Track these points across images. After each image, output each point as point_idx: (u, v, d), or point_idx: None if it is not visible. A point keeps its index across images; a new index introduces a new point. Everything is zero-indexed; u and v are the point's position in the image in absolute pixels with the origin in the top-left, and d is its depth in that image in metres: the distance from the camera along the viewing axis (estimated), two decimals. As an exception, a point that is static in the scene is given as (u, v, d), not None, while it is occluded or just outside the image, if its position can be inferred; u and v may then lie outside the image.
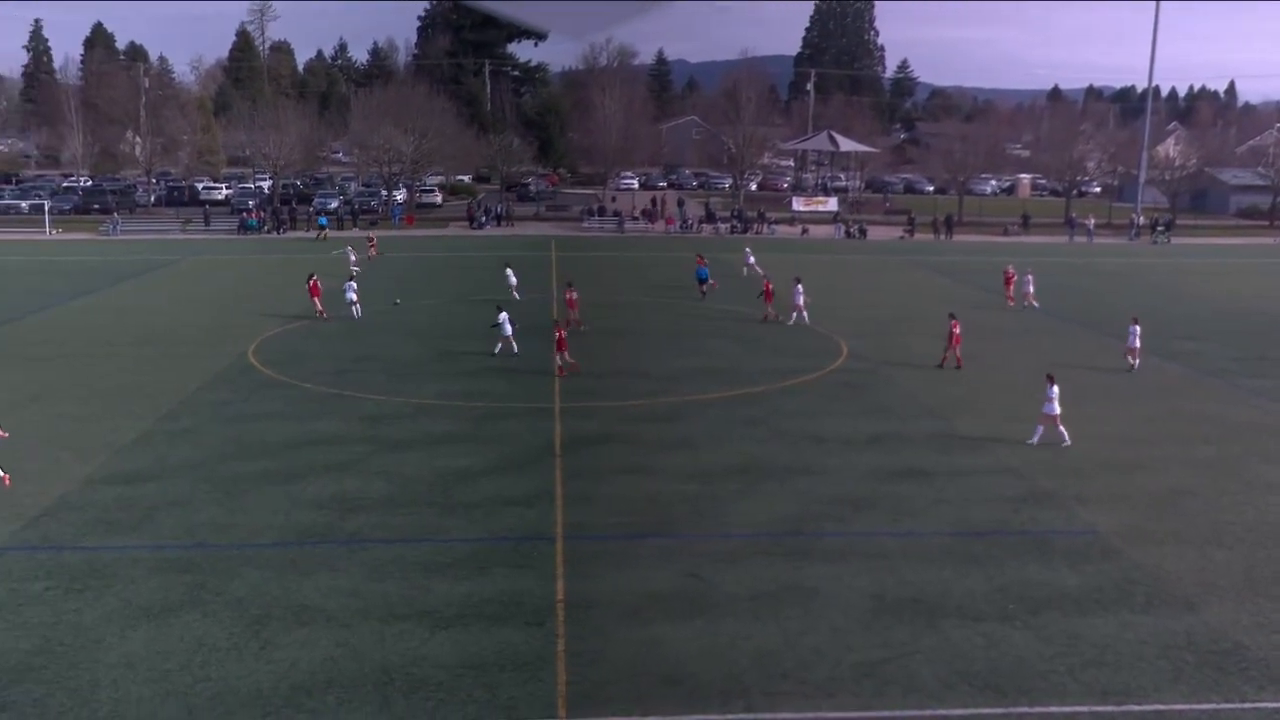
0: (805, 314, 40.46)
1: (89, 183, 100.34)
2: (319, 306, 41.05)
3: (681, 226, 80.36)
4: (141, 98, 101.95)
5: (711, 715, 13.60)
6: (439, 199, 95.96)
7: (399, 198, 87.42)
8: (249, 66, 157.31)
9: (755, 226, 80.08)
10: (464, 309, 43.20)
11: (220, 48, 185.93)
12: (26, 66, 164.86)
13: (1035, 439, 25.13)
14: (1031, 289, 45.42)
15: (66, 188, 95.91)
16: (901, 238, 77.92)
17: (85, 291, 47.63)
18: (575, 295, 39.14)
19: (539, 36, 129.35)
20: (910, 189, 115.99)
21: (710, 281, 46.95)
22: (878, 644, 15.41)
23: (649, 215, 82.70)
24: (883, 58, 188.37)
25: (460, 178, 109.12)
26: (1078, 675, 14.59)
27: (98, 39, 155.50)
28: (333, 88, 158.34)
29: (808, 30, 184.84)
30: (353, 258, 53.92)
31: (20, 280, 51.11)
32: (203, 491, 21.53)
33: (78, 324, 39.91)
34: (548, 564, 18.13)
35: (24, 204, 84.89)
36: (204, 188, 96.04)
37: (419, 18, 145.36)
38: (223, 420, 26.87)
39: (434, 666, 14.62)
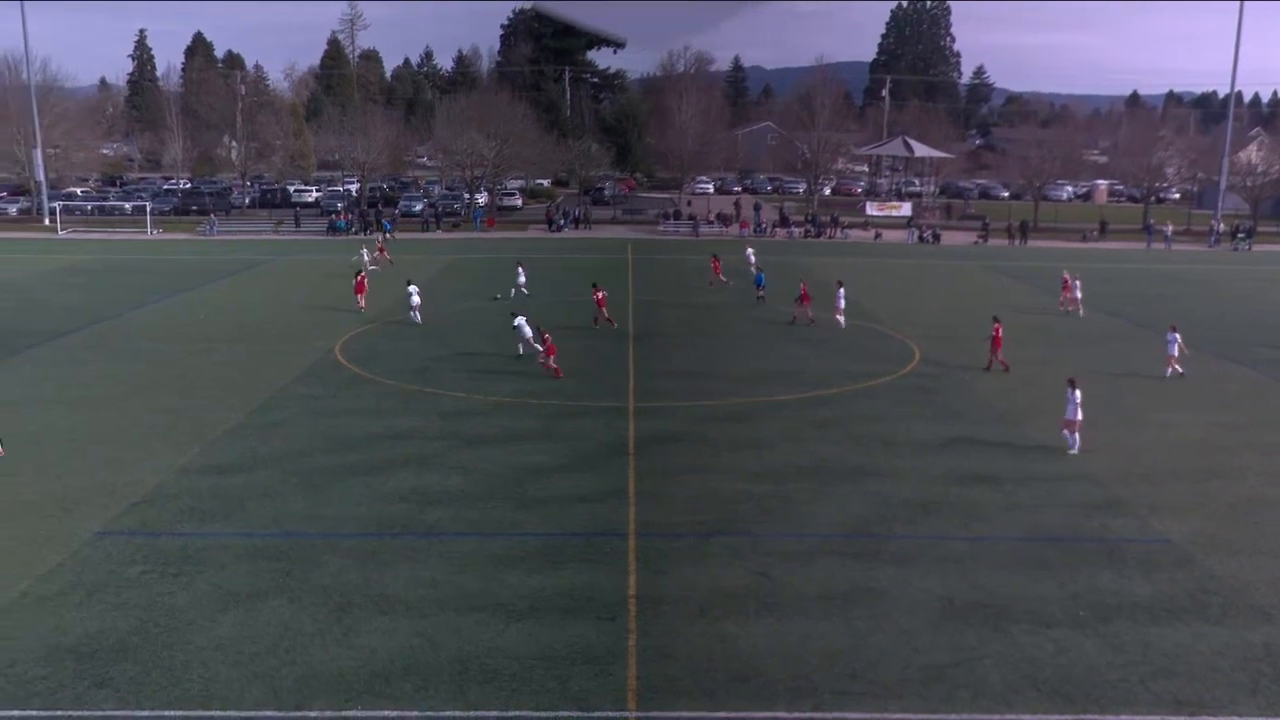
0: (841, 319, 40.07)
1: (188, 185, 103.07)
2: (361, 302, 42.26)
3: (756, 230, 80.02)
4: (238, 104, 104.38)
5: (779, 713, 13.53)
6: (519, 202, 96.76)
7: (481, 201, 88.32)
8: (339, 74, 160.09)
9: (828, 231, 79.45)
10: (543, 310, 43.42)
11: (312, 56, 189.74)
12: (131, 74, 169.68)
13: (1075, 448, 24.53)
14: (1079, 294, 44.56)
15: (167, 190, 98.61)
16: (975, 243, 76.69)
17: (183, 289, 48.88)
18: (603, 295, 39.82)
19: (618, 44, 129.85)
20: (985, 194, 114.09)
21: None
22: (946, 647, 15.19)
23: (724, 219, 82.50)
24: (959, 63, 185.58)
25: (540, 182, 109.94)
26: (1149, 685, 14.22)
27: (198, 48, 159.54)
28: (418, 94, 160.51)
29: (884, 36, 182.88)
30: (366, 259, 53.87)
31: (123, 278, 52.62)
32: (291, 483, 21.97)
33: (176, 320, 40.96)
34: (620, 560, 18.17)
35: (128, 205, 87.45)
36: (295, 190, 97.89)
37: (502, 26, 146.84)
38: (310, 414, 27.40)
39: (507, 657, 14.74)
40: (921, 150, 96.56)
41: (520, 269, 47.28)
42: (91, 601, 16.35)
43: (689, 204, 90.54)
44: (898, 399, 29.76)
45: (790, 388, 30.81)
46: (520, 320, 34.12)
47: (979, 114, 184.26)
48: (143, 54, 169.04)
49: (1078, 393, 24.48)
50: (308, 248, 67.87)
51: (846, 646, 15.18)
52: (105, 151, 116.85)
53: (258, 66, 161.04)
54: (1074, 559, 18.45)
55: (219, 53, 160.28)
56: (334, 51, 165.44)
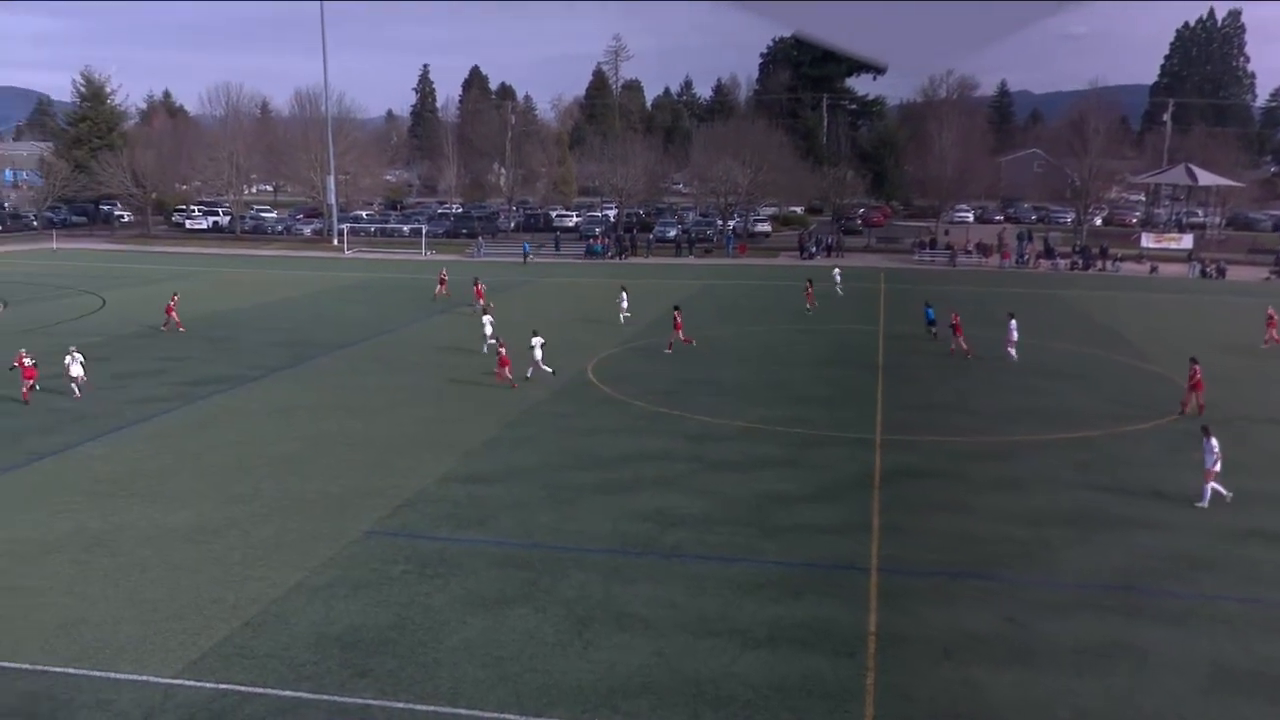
0: (1013, 351, 38.32)
1: (459, 209, 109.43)
2: (482, 302, 46.12)
3: (1018, 261, 76.72)
4: (508, 133, 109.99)
5: (1025, 769, 12.81)
6: (768, 229, 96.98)
7: (733, 227, 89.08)
8: (602, 103, 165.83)
9: (1098, 263, 75.16)
10: (790, 336, 43.30)
11: (578, 87, 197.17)
12: (414, 106, 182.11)
13: (1205, 500, 22.38)
14: None
15: (441, 214, 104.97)
16: (1267, 279, 70.48)
17: (451, 307, 51.79)
18: (680, 318, 40.10)
19: (878, 71, 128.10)
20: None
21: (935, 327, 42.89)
22: (1217, 717, 13.95)
23: (983, 249, 79.54)
24: (1253, 84, 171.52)
25: (793, 209, 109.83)
26: None
27: (474, 81, 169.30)
28: (677, 122, 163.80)
29: (1167, 58, 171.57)
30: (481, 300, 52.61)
31: (399, 295, 56.36)
32: (540, 496, 22.80)
33: (442, 336, 43.45)
34: (860, 595, 17.77)
35: (405, 228, 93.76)
36: (557, 215, 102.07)
37: (761, 55, 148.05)
38: (561, 431, 28.36)
39: (742, 685, 14.69)
40: (1206, 178, 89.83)
41: (624, 295, 46.67)
42: (357, 595, 17.53)
43: (946, 233, 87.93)
44: (1169, 444, 27.70)
45: (1050, 427, 29.29)
46: (536, 341, 34.24)
47: (1275, 139, 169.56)
48: (425, 87, 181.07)
49: (1213, 440, 22.40)
50: (565, 270, 70.50)
51: (1102, 706, 14.22)
52: (388, 178, 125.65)
53: (527, 98, 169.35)
54: (1375, 632, 16.55)
55: (493, 85, 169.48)
56: (598, 82, 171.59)
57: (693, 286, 59.97)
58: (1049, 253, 78.79)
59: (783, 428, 28.78)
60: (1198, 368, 30.98)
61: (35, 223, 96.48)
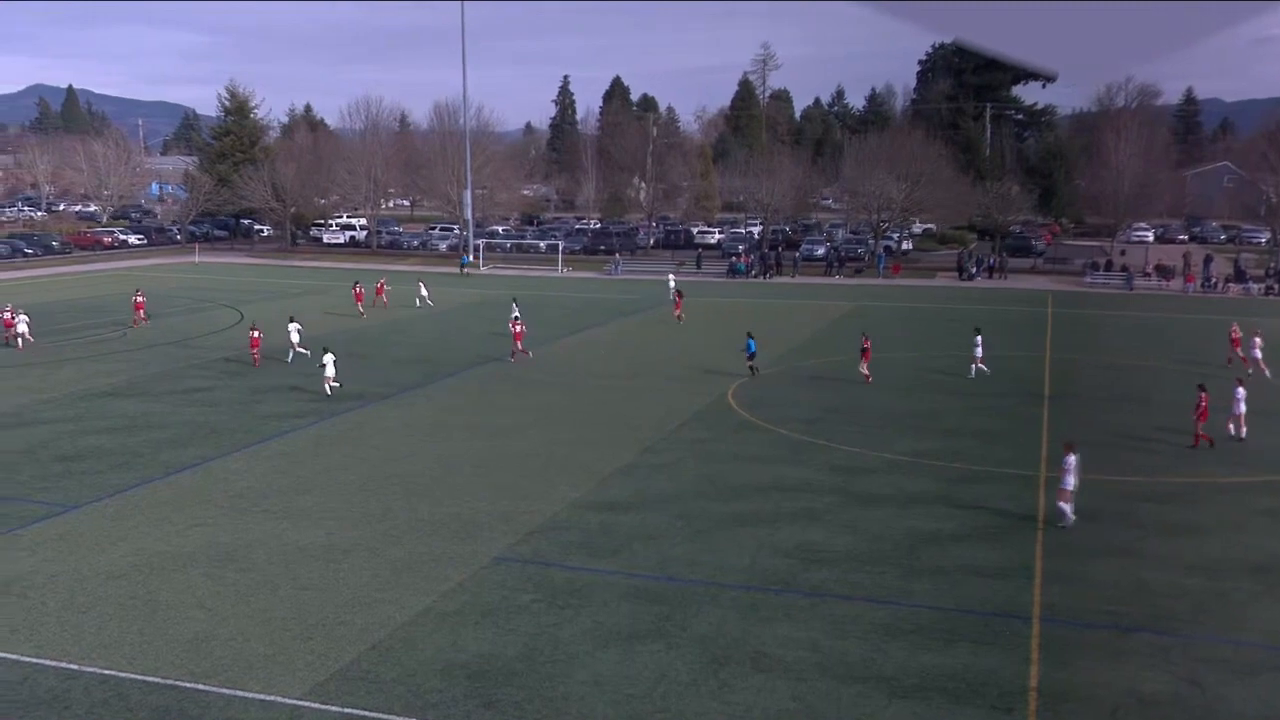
0: (984, 367, 39.37)
1: (597, 225, 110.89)
2: (366, 304, 54.49)
3: (1204, 285, 73.43)
4: (649, 146, 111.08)
5: None
6: (908, 246, 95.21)
7: (886, 246, 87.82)
8: (748, 115, 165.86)
9: (1296, 288, 71.30)
10: (944, 363, 42.36)
11: (723, 97, 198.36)
12: (553, 119, 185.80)
13: (1067, 520, 22.73)
14: (1258, 353, 39.69)
15: (578, 230, 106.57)
16: None
17: (585, 326, 52.53)
18: (521, 328, 42.49)
19: (1048, 78, 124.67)
20: None
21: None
22: None
23: (1164, 271, 76.35)
24: None
25: (951, 226, 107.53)
26: None
27: (615, 92, 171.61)
28: (827, 134, 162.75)
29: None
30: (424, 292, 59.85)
31: (534, 313, 57.23)
32: (676, 526, 22.82)
33: (576, 356, 44.08)
34: (1021, 645, 17.21)
35: (542, 244, 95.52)
36: (699, 232, 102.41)
37: (919, 62, 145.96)
38: (699, 458, 28.37)
39: (888, 736, 14.37)
40: None
41: (515, 305, 48.93)
42: (485, 623, 17.84)
43: (1123, 253, 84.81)
44: (1379, 492, 26.04)
45: (1236, 467, 27.88)
46: (328, 358, 35.24)
47: None
48: (565, 99, 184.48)
49: (1073, 458, 22.64)
50: (707, 289, 70.59)
51: (1296, 782, 13.41)
52: (525, 192, 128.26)
53: (670, 109, 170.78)
54: None
55: (634, 97, 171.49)
56: (744, 93, 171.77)
57: (841, 308, 59.32)
58: (1240, 276, 75.17)
59: (936, 461, 28.17)
60: (1204, 396, 29.80)
61: (179, 236, 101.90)
